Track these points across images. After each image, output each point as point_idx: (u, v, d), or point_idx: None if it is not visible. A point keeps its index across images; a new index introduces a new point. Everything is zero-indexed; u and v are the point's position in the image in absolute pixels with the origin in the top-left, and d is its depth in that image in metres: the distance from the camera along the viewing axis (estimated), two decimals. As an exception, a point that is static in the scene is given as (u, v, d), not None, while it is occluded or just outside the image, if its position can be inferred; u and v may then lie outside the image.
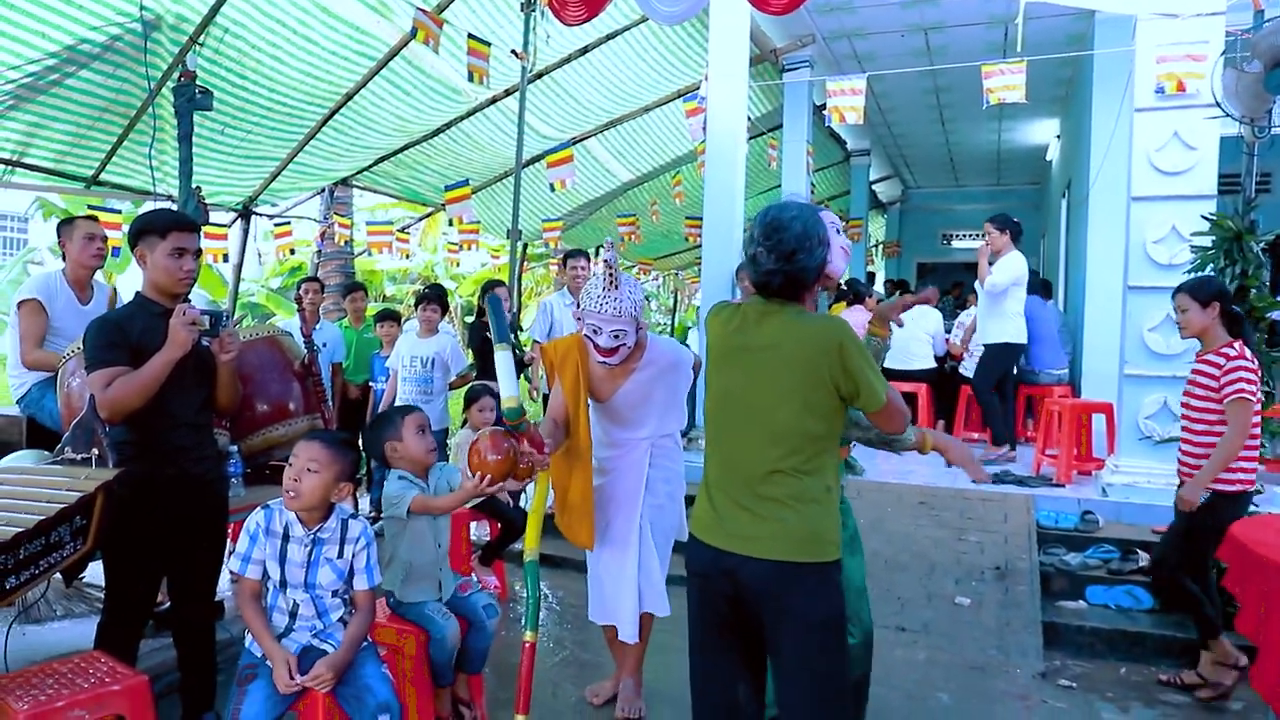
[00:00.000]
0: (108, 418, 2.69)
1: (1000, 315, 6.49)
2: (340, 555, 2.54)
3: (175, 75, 5.33)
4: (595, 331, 2.91)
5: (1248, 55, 4.08)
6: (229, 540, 3.15)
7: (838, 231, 2.41)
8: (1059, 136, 11.31)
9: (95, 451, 2.77)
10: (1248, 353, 3.49)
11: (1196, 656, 4.07)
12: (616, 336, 2.90)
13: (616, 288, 2.89)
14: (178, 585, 2.94)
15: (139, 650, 2.86)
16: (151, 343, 2.72)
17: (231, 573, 2.62)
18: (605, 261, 2.95)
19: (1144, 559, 4.62)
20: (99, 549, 2.70)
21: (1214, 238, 4.29)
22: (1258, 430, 3.60)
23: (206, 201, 5.37)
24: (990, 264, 6.32)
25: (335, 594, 2.55)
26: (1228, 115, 4.29)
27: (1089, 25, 7.64)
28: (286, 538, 2.52)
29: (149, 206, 4.36)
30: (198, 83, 5.17)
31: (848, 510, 2.94)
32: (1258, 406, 3.48)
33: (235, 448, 3.65)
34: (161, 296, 2.84)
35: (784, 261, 2.07)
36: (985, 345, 6.72)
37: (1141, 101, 5.39)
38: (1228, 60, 4.18)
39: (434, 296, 5.86)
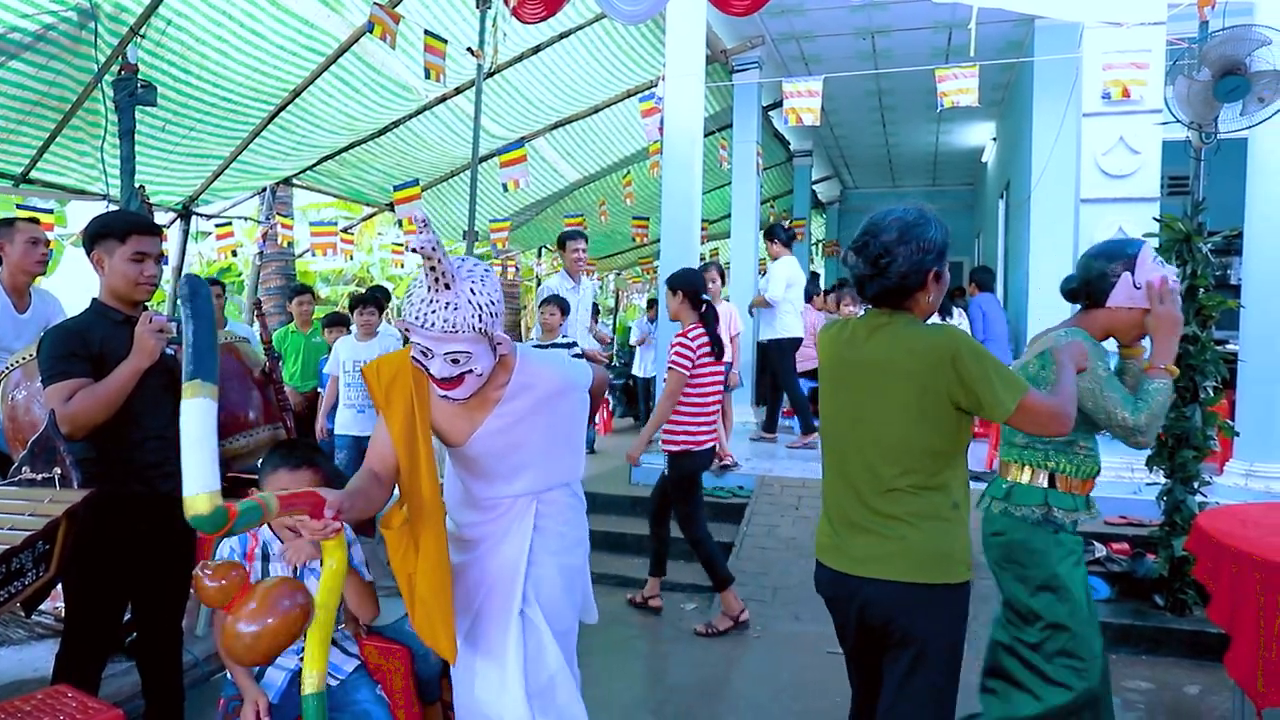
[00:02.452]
0: (69, 433, 2.53)
1: (775, 315, 7.09)
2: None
3: (115, 68, 5.08)
4: (425, 355, 1.94)
5: (1197, 64, 4.22)
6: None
7: (1156, 261, 2.50)
8: (995, 139, 11.62)
9: (58, 471, 2.61)
10: (695, 331, 4.30)
11: (1155, 643, 4.22)
12: (456, 361, 1.92)
13: (448, 287, 1.87)
14: (144, 611, 2.78)
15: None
16: (114, 353, 2.58)
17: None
18: (418, 250, 1.82)
19: (1100, 550, 4.76)
20: (61, 575, 2.55)
21: (1163, 239, 4.43)
22: (706, 399, 4.35)
23: (150, 202, 5.13)
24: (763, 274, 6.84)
25: None
26: (1177, 121, 4.43)
27: (1028, 32, 7.86)
28: (266, 558, 2.40)
29: (77, 205, 4.15)
30: (139, 77, 4.95)
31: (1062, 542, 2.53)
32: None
33: (195, 460, 3.48)
34: (121, 303, 2.69)
35: (872, 266, 2.04)
36: (770, 341, 7.24)
37: (1089, 106, 5.56)
38: (1178, 68, 4.32)
39: (370, 299, 5.72)
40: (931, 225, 2.04)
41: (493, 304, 1.93)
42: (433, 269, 1.84)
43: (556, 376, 2.17)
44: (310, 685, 1.95)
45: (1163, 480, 4.43)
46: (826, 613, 4.61)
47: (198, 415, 1.73)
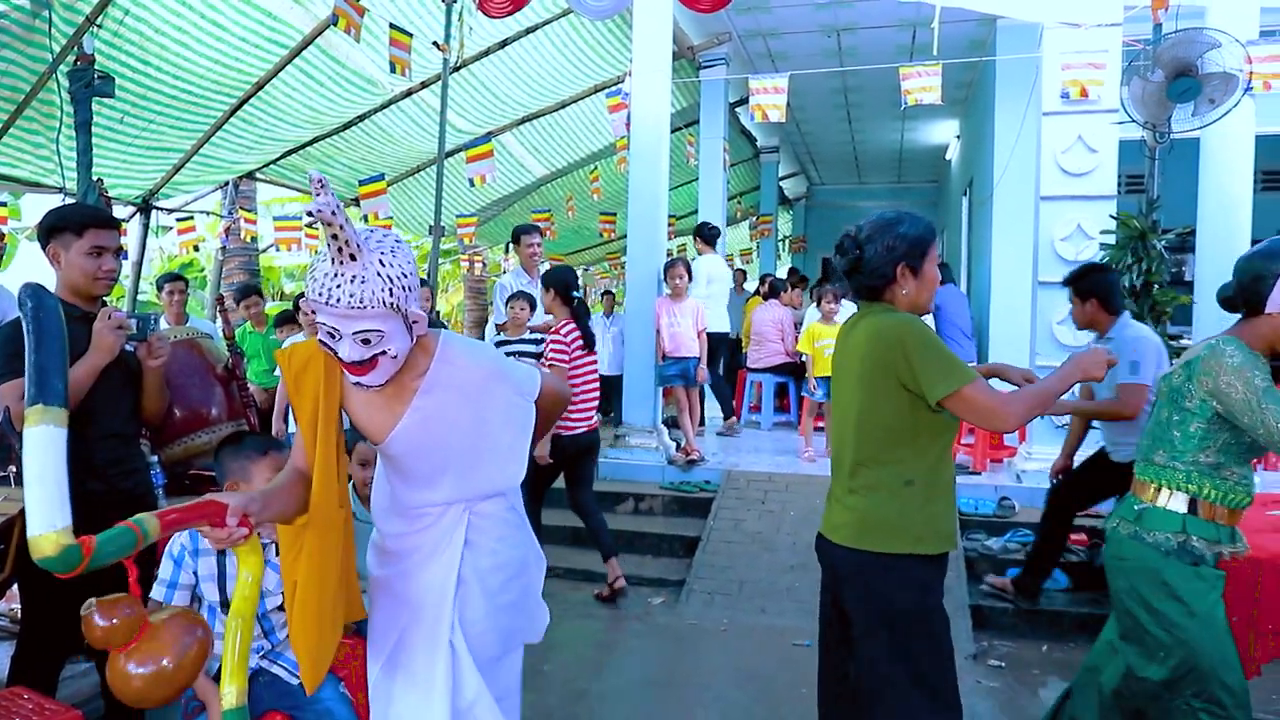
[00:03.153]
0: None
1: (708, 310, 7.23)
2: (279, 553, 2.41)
3: (70, 59, 4.98)
4: (332, 336, 1.74)
5: (1151, 65, 4.32)
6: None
7: None
8: (959, 137, 11.77)
9: (13, 469, 2.57)
10: (566, 328, 4.59)
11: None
12: (367, 341, 1.72)
13: (354, 258, 1.66)
14: (104, 609, 2.74)
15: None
16: (72, 349, 2.53)
17: (154, 601, 2.37)
18: (317, 215, 1.63)
19: (1059, 542, 4.85)
20: (16, 576, 2.51)
21: (1120, 236, 4.53)
22: (581, 388, 4.66)
23: (108, 195, 5.04)
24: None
25: (281, 607, 2.42)
26: (1133, 120, 4.53)
27: (990, 32, 7.98)
28: (224, 552, 2.37)
29: (31, 198, 4.07)
30: (96, 68, 4.86)
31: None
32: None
33: (155, 458, 3.44)
34: (79, 299, 2.65)
35: (848, 263, 2.23)
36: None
37: (1048, 105, 5.66)
38: (1133, 69, 4.42)
39: None
40: (903, 223, 2.18)
41: (405, 277, 1.73)
42: (335, 237, 1.64)
43: (483, 366, 1.95)
44: (229, 700, 1.80)
45: (1120, 472, 4.52)
46: (793, 606, 4.67)
47: (41, 446, 1.62)
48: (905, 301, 2.21)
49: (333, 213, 1.61)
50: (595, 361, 4.83)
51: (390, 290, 1.70)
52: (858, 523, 2.16)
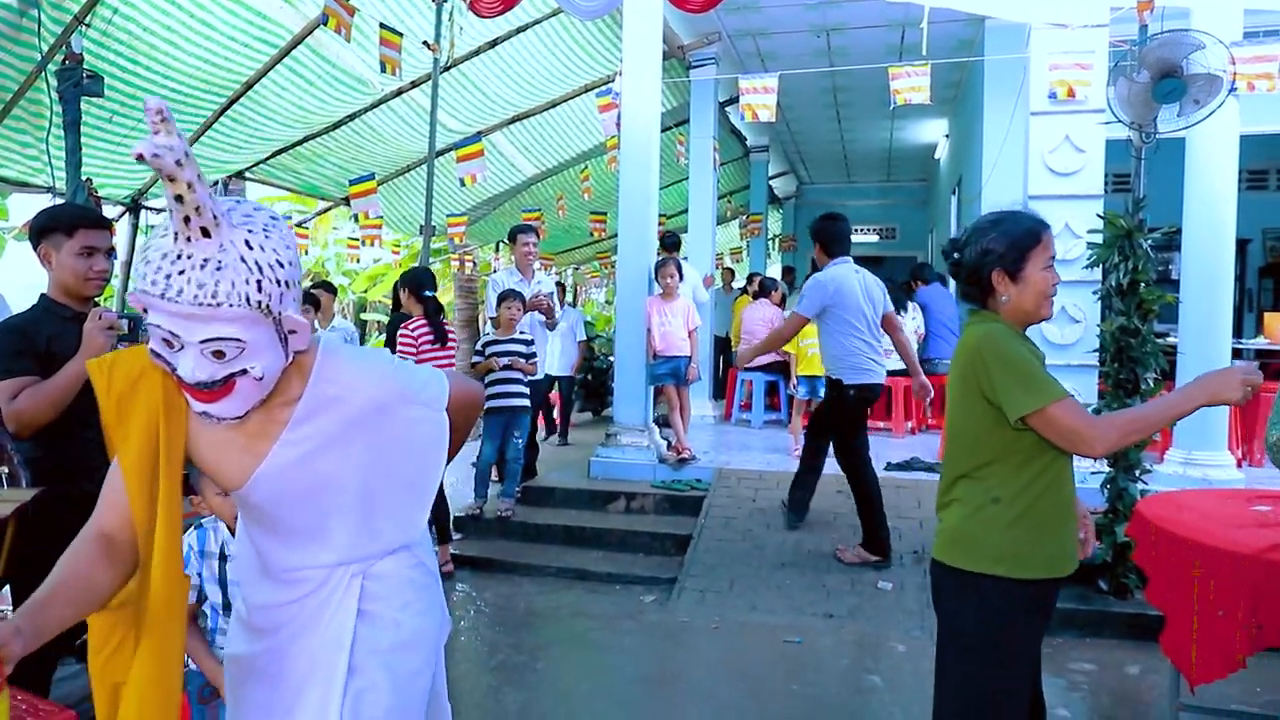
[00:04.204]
0: (16, 432, 2.50)
1: None
2: None
3: (59, 58, 4.96)
4: (169, 344, 1.28)
5: (1137, 66, 4.36)
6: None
7: None
8: (948, 136, 11.83)
9: (5, 470, 2.57)
10: (415, 324, 4.93)
11: (1099, 626, 4.36)
12: (219, 354, 1.28)
13: (207, 234, 1.23)
14: (96, 609, 2.74)
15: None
16: (63, 350, 2.54)
17: None
18: (153, 161, 1.15)
19: (1047, 538, 4.89)
20: (8, 577, 2.51)
21: (1107, 235, 4.57)
22: None
23: (98, 195, 5.03)
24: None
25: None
26: (1119, 120, 4.57)
27: (979, 31, 8.02)
28: (224, 557, 2.38)
29: (20, 198, 4.06)
30: (85, 67, 4.84)
31: None
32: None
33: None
34: (70, 299, 2.66)
35: (951, 268, 2.14)
36: None
37: (1036, 105, 5.70)
38: (1119, 70, 4.45)
39: (307, 296, 5.67)
40: (1002, 224, 2.05)
41: (281, 266, 1.28)
42: (180, 199, 1.18)
43: (378, 384, 1.49)
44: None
45: (1106, 469, 4.57)
46: (784, 604, 4.70)
47: None
48: (1008, 310, 2.05)
49: (177, 162, 1.14)
50: (448, 356, 5.12)
51: (258, 284, 1.25)
52: (944, 535, 2.11)
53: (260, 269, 1.27)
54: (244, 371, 1.31)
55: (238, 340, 1.28)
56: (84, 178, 4.75)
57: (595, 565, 5.21)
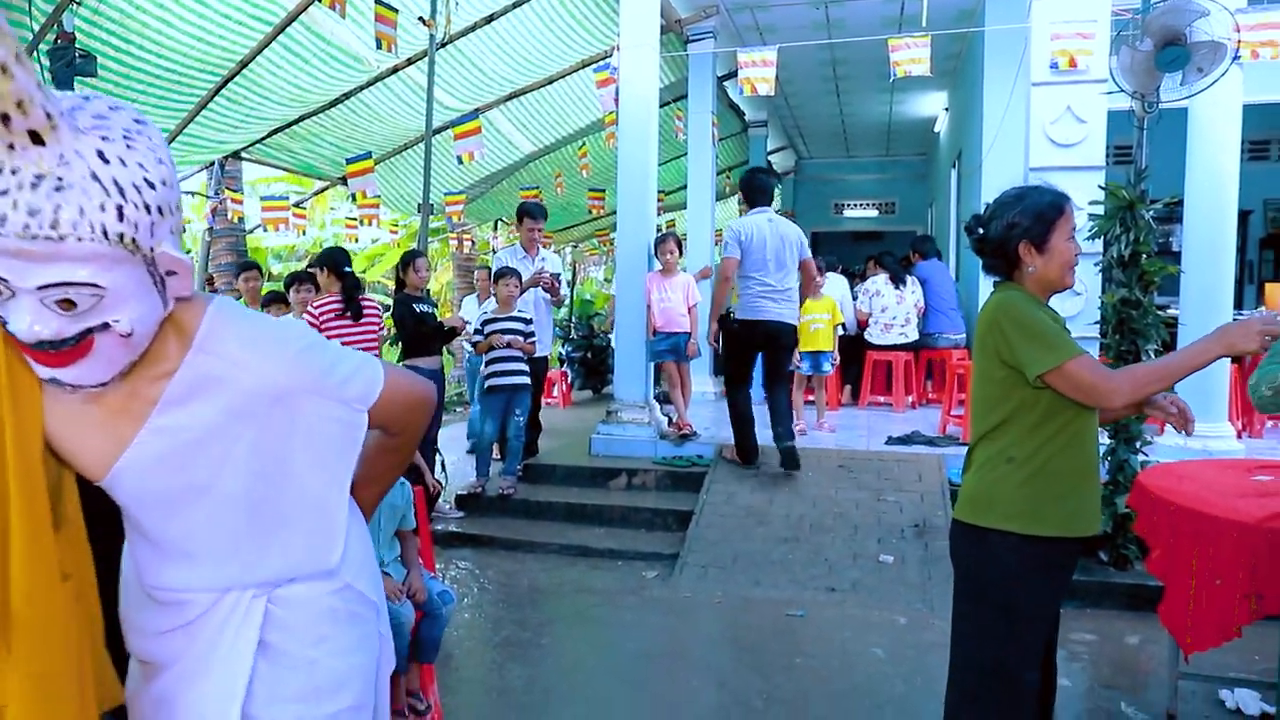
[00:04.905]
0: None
1: None
2: None
3: (51, 37, 4.92)
4: None
5: (1140, 34, 4.31)
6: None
7: None
8: (947, 109, 11.75)
9: None
10: (320, 301, 5.04)
11: (1099, 597, 4.38)
12: (68, 303, 1.01)
13: (43, 140, 0.93)
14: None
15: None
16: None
17: None
18: None
19: (1048, 510, 4.91)
20: None
21: (1108, 207, 4.54)
22: None
23: (93, 176, 4.99)
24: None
25: None
26: (1121, 90, 4.53)
27: (979, 2, 7.95)
28: None
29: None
30: (77, 46, 4.80)
31: None
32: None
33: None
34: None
35: (975, 242, 2.21)
36: None
37: (1037, 76, 5.64)
38: (1121, 38, 4.41)
39: (305, 276, 5.66)
40: (1027, 198, 2.13)
41: (152, 187, 1.00)
42: (18, 95, 0.88)
43: (279, 366, 1.17)
44: None
45: (1107, 440, 4.58)
46: (786, 578, 4.72)
47: None
48: (1034, 280, 2.12)
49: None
50: (362, 333, 5.12)
51: (118, 209, 0.97)
52: (963, 495, 2.18)
53: (121, 189, 0.97)
54: (105, 326, 1.02)
55: (93, 286, 0.98)
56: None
57: (597, 542, 5.23)
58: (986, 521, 2.11)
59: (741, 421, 5.74)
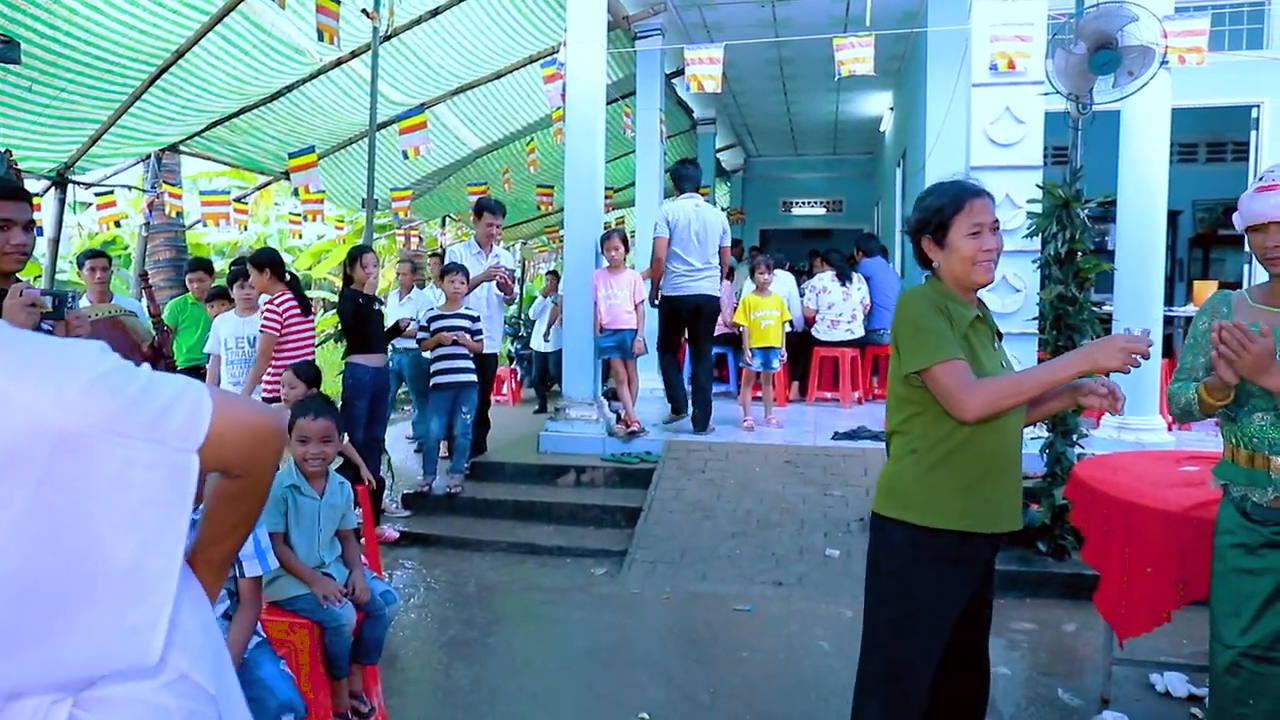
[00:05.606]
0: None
1: None
2: None
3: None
4: None
5: (1074, 38, 4.42)
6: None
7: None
8: (892, 109, 11.92)
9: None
10: (280, 298, 4.93)
11: (1038, 586, 4.49)
12: None
13: None
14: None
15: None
16: (-18, 329, 2.42)
17: None
18: None
19: (988, 503, 5.01)
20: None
21: (1045, 205, 4.65)
22: (300, 351, 4.95)
23: (18, 167, 4.82)
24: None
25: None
26: (1057, 92, 4.64)
27: (922, 3, 8.07)
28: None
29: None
30: None
31: None
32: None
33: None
34: (-13, 275, 2.52)
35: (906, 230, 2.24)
36: None
37: (978, 77, 5.76)
38: (1057, 41, 4.52)
39: (245, 274, 5.53)
40: (930, 194, 2.13)
41: None
42: None
43: (49, 398, 0.87)
44: None
45: (1046, 434, 4.69)
46: (733, 573, 4.75)
47: None
48: (942, 274, 2.12)
49: None
50: (310, 326, 5.15)
51: None
52: (877, 486, 2.19)
53: None
54: None
55: None
56: (3, 149, 4.54)
57: (546, 539, 5.21)
58: (887, 511, 2.12)
59: (670, 380, 6.62)
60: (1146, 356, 1.88)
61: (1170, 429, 5.80)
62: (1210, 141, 11.05)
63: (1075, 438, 4.64)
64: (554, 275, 10.24)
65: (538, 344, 9.53)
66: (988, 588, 2.20)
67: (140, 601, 0.95)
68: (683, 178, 6.49)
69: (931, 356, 1.98)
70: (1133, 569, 2.85)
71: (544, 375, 9.37)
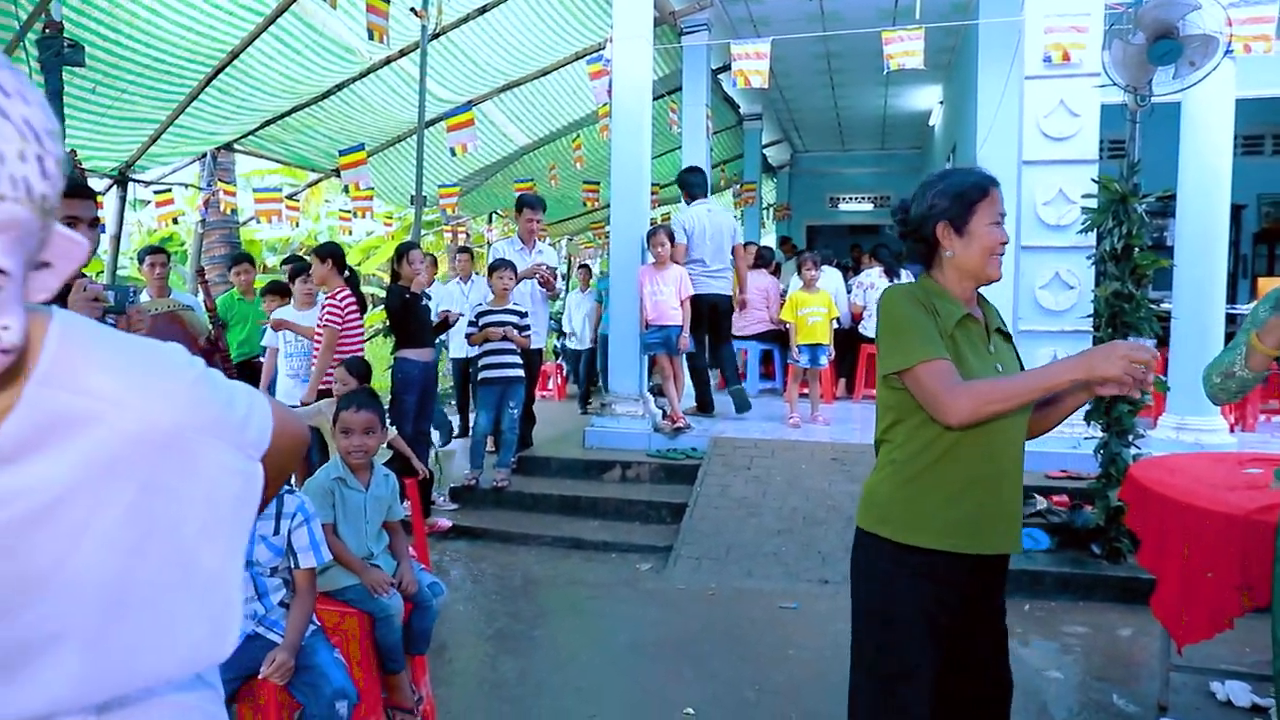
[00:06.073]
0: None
1: None
2: (276, 532, 2.43)
3: (38, 26, 4.87)
4: None
5: (1132, 27, 4.31)
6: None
7: None
8: (942, 102, 11.73)
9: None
10: (342, 294, 5.00)
11: (1091, 590, 4.39)
12: None
13: None
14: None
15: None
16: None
17: None
18: None
19: (1041, 503, 4.93)
20: None
21: (1101, 200, 4.55)
22: (355, 347, 5.05)
23: (82, 166, 4.96)
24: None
25: (275, 572, 2.45)
26: (1113, 84, 4.53)
27: (974, -6, 7.92)
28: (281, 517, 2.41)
29: None
30: (65, 35, 4.75)
31: None
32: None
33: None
34: (55, 271, 2.60)
35: (899, 224, 2.03)
36: None
37: (1031, 69, 5.65)
38: (1114, 32, 4.40)
39: (306, 269, 5.64)
40: (949, 177, 1.98)
41: (53, 139, 0.73)
42: None
43: (168, 398, 0.85)
44: None
45: (1100, 434, 4.59)
46: (779, 570, 4.72)
47: None
48: (953, 266, 1.95)
49: None
50: (363, 323, 5.25)
51: (40, 160, 0.71)
52: (860, 498, 2.06)
53: (37, 135, 0.70)
54: None
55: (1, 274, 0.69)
56: (69, 149, 4.69)
57: (591, 534, 5.23)
58: (867, 524, 1.98)
59: (701, 383, 6.95)
60: (1149, 371, 1.70)
61: (1232, 430, 5.65)
62: (1277, 134, 10.69)
63: (1131, 438, 4.53)
64: (585, 270, 10.26)
65: (572, 341, 9.53)
66: (996, 596, 2.03)
67: (222, 607, 0.94)
68: (692, 185, 6.81)
69: (913, 356, 1.83)
70: (1192, 573, 2.77)
71: (584, 372, 9.36)
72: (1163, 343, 5.18)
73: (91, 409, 0.80)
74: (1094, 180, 4.68)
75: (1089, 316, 4.79)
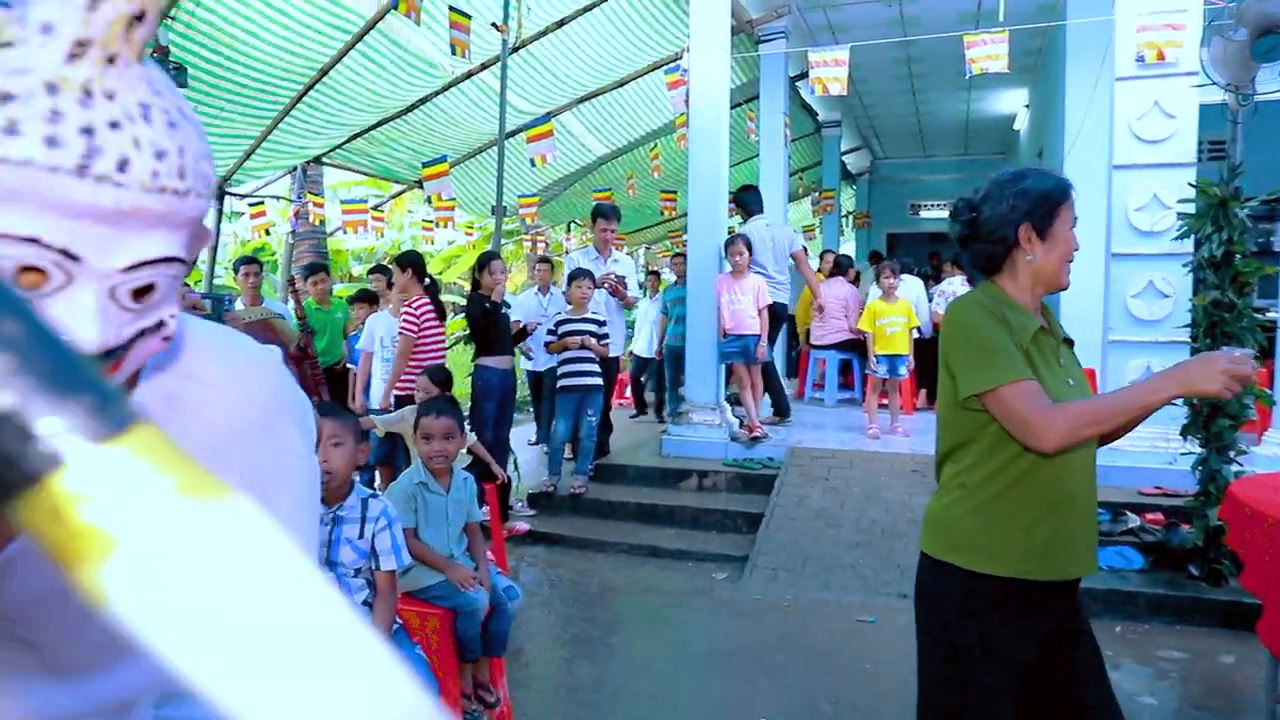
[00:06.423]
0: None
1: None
2: (361, 535, 2.51)
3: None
4: (64, 269, 0.59)
5: (1234, 23, 4.13)
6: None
7: None
8: (1028, 106, 11.42)
9: None
10: (419, 302, 5.13)
11: (1189, 613, 4.20)
12: (139, 295, 0.65)
13: (139, 60, 0.60)
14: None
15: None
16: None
17: None
18: None
19: (1133, 520, 4.74)
20: None
21: (1199, 205, 4.36)
22: (433, 354, 5.19)
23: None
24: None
25: (358, 573, 2.53)
26: (1213, 83, 4.35)
27: (1062, -5, 7.69)
28: (335, 522, 2.49)
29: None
30: (170, 59, 5.02)
31: None
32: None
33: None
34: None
35: (964, 226, 1.91)
36: None
37: (1122, 70, 5.45)
38: (1214, 28, 4.23)
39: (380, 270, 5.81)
40: (1028, 178, 1.86)
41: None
42: (140, 18, 0.56)
43: (258, 380, 0.85)
44: None
45: (1198, 450, 4.39)
46: (857, 583, 4.65)
47: None
48: (1030, 271, 1.85)
49: None
50: (443, 334, 5.41)
51: (208, 155, 0.69)
52: (924, 520, 1.95)
53: (199, 131, 0.68)
54: (159, 325, 0.69)
55: (180, 264, 0.68)
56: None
57: (667, 542, 5.24)
58: (934, 551, 1.86)
59: (775, 392, 7.08)
60: (1249, 382, 1.61)
61: None
62: (1392, 132, 10.08)
63: (1233, 454, 4.32)
64: (655, 276, 10.27)
65: (638, 348, 9.18)
66: (1075, 618, 1.89)
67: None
68: (749, 202, 6.97)
69: (1000, 377, 1.72)
70: (1302, 597, 2.63)
71: (655, 380, 9.08)
72: (1267, 354, 4.92)
73: (200, 395, 0.81)
74: (1191, 184, 4.49)
75: (1185, 326, 4.59)
